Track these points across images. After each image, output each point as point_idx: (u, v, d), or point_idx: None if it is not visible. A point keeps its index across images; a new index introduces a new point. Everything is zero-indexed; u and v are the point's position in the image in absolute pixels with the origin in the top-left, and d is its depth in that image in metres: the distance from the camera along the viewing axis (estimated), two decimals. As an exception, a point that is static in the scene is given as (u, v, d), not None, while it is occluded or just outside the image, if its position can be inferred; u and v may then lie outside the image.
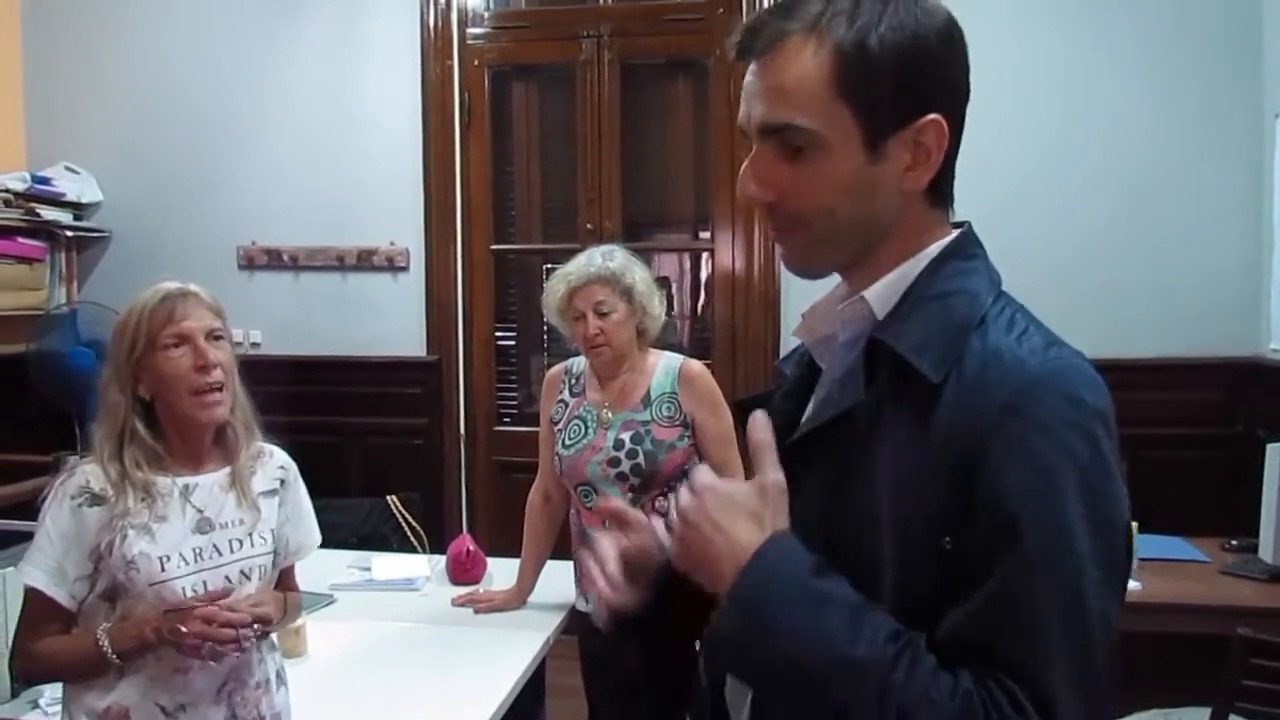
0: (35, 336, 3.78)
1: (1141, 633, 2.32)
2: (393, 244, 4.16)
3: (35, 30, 4.37)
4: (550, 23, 4.25)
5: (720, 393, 2.44)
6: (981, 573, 0.79)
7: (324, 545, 1.92)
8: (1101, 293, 3.64)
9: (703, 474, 0.89)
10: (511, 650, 2.30)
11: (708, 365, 2.53)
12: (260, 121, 4.23)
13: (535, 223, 4.38)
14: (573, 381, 2.51)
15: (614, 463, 2.35)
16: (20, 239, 4.02)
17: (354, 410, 4.18)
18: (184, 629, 1.49)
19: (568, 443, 2.42)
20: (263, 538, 1.68)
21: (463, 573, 2.75)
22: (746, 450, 0.92)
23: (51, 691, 1.97)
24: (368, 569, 2.81)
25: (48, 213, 4.09)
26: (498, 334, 4.30)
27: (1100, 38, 3.65)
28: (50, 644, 1.57)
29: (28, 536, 1.59)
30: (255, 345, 4.20)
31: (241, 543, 1.65)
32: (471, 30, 4.17)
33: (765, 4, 3.83)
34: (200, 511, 1.62)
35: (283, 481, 1.77)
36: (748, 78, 0.91)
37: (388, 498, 3.83)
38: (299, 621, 2.16)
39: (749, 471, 0.90)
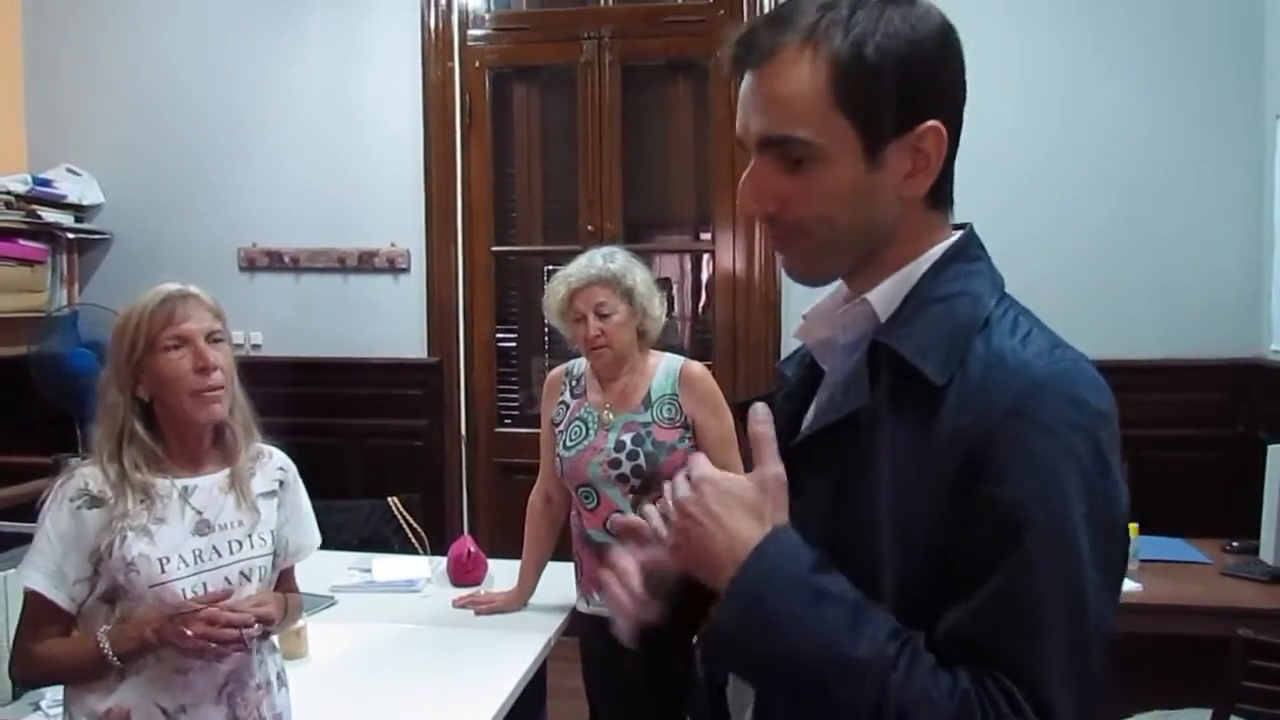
0: (36, 338, 3.79)
1: (1142, 634, 2.32)
2: (393, 245, 4.16)
3: (36, 32, 4.37)
4: (551, 24, 4.26)
5: (721, 394, 2.44)
6: (983, 573, 0.79)
7: (325, 547, 1.92)
8: (1102, 294, 3.64)
9: (701, 465, 0.88)
10: (513, 651, 2.30)
11: (708, 367, 2.53)
12: (261, 123, 4.23)
13: (536, 224, 4.38)
14: (574, 383, 2.51)
15: (615, 464, 2.35)
16: (21, 241, 4.03)
17: (355, 412, 4.18)
18: (188, 631, 1.49)
19: (569, 444, 2.42)
20: (262, 539, 1.68)
21: (464, 574, 2.75)
22: (747, 452, 0.91)
23: (53, 694, 1.97)
24: (368, 570, 2.81)
25: (49, 215, 4.10)
26: (499, 335, 4.30)
27: (1100, 38, 3.65)
28: (50, 646, 1.57)
29: (28, 538, 1.59)
30: (256, 347, 4.21)
31: (241, 544, 1.65)
32: (472, 32, 4.17)
33: (768, 6, 3.84)
34: (199, 513, 1.62)
35: (282, 483, 1.77)
36: (743, 89, 0.90)
37: (389, 499, 3.83)
38: (300, 623, 2.16)
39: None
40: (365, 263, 4.18)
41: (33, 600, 1.56)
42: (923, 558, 0.82)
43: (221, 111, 4.25)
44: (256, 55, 4.22)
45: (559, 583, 2.56)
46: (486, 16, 4.20)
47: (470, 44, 4.16)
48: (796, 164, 0.88)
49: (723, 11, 3.98)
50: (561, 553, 2.59)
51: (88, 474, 1.58)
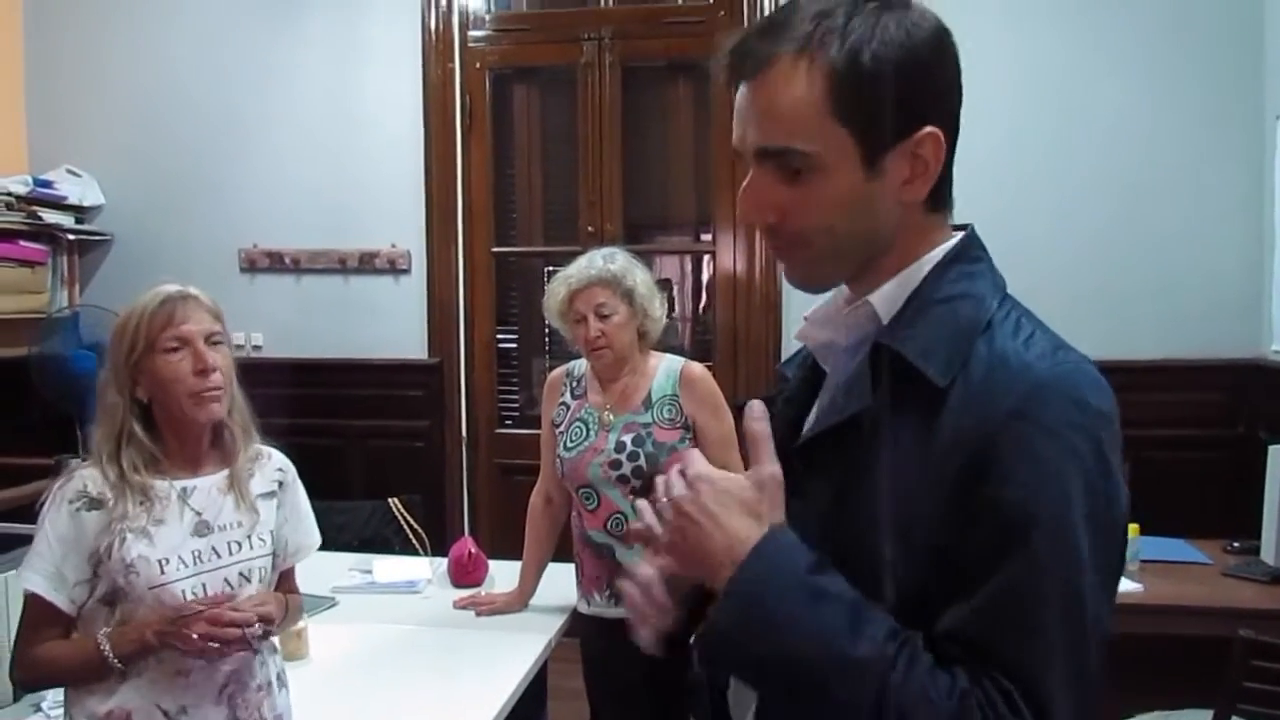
0: (37, 340, 3.79)
1: (1143, 634, 2.32)
2: (394, 246, 4.16)
3: (37, 33, 4.37)
4: (551, 25, 4.26)
5: (721, 395, 2.44)
6: (984, 573, 0.79)
7: (325, 548, 1.92)
8: (1102, 294, 3.63)
9: (697, 463, 0.88)
10: (513, 652, 2.30)
11: (709, 368, 2.53)
12: (262, 124, 4.23)
13: (536, 225, 4.38)
14: (574, 384, 2.51)
15: (615, 465, 2.35)
16: (22, 242, 4.03)
17: (355, 413, 4.18)
18: (191, 634, 1.49)
19: (569, 445, 2.42)
20: (261, 539, 1.68)
21: (464, 575, 2.75)
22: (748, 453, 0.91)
23: (54, 695, 1.96)
24: (369, 571, 2.81)
25: (49, 216, 4.10)
26: (499, 336, 4.30)
27: (1100, 38, 3.65)
28: (50, 649, 1.57)
29: (29, 540, 1.59)
30: (257, 348, 4.21)
31: (240, 545, 1.65)
32: (473, 33, 4.17)
33: (768, 6, 3.84)
34: (199, 514, 1.62)
35: (281, 483, 1.77)
36: (739, 100, 0.89)
37: (389, 500, 3.84)
38: (301, 624, 2.16)
39: None
40: (366, 264, 4.18)
41: (33, 602, 1.56)
42: (923, 558, 0.82)
43: (222, 112, 4.25)
44: (257, 56, 4.22)
45: (560, 584, 2.56)
46: (487, 17, 4.20)
47: (471, 45, 4.17)
48: (795, 174, 0.87)
49: (723, 12, 3.98)
50: (562, 554, 2.59)
51: (87, 476, 1.58)
